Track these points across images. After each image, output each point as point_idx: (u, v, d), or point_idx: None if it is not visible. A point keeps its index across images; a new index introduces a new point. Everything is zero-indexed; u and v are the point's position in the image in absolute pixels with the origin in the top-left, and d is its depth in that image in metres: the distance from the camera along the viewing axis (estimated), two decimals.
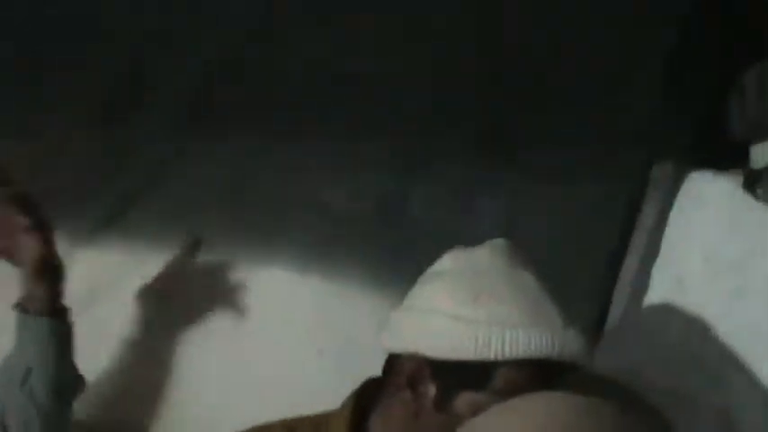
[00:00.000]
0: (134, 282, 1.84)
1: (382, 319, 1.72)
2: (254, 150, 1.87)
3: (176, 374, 1.83)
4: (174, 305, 1.85)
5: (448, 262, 1.42)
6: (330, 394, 1.51)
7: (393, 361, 1.42)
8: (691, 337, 1.56)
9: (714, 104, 1.59)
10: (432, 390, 1.36)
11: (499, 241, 1.42)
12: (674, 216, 1.63)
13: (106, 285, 1.89)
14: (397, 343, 1.40)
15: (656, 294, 1.62)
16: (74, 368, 1.73)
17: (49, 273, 1.72)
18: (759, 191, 1.53)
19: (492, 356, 1.31)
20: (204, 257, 1.85)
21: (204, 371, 1.82)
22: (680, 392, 1.49)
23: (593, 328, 1.61)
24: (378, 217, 1.82)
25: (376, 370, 1.47)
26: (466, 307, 1.33)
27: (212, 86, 1.93)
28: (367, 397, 1.48)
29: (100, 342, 1.86)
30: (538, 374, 1.32)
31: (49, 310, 1.70)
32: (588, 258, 1.67)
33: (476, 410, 1.30)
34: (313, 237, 1.82)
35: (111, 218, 1.87)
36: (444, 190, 1.81)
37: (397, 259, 1.78)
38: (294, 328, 1.81)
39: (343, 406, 1.47)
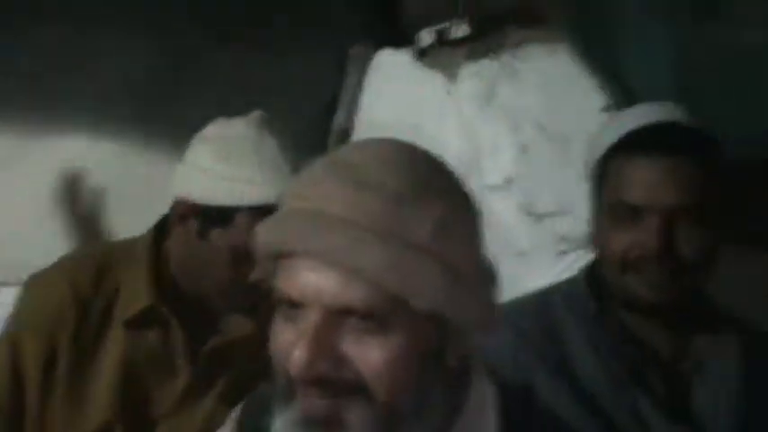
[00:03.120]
0: None
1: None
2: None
3: None
4: None
5: (211, 128, 1.77)
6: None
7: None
8: None
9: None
10: (195, 225, 1.74)
11: (255, 113, 1.77)
12: (368, 83, 2.21)
13: None
14: (175, 189, 1.78)
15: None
16: None
17: None
18: (425, 60, 2.17)
19: (232, 203, 1.70)
20: None
21: None
22: None
23: None
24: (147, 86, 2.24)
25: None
26: (219, 164, 1.72)
27: None
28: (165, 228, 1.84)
29: None
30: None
31: None
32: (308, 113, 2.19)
33: (225, 241, 1.71)
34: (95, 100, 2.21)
35: None
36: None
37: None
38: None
39: (148, 232, 1.84)
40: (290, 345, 1.04)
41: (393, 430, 1.06)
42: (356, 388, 1.04)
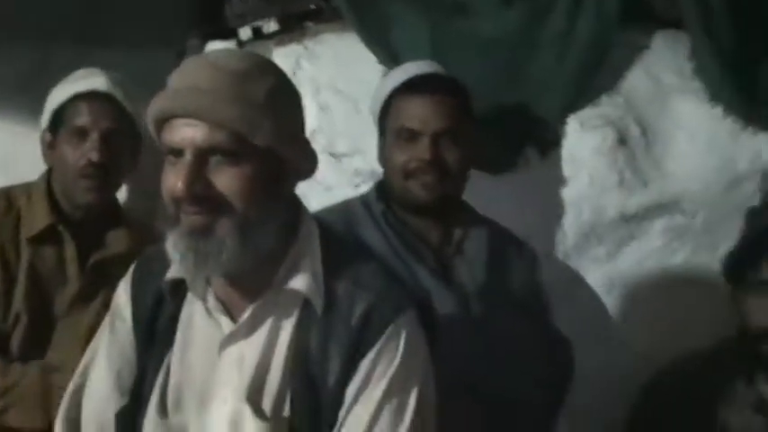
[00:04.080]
0: None
1: None
2: None
3: None
4: None
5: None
6: None
7: None
8: None
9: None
10: (48, 137, 2.33)
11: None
12: None
13: None
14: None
15: None
16: None
17: None
18: (245, 50, 2.74)
19: (66, 97, 2.26)
20: None
21: None
22: None
23: None
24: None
25: None
26: (62, 84, 2.32)
27: None
28: None
29: None
30: (89, 105, 2.26)
31: None
32: None
33: (67, 141, 2.25)
34: None
35: None
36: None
37: None
38: None
39: (42, 174, 2.35)
40: (175, 181, 1.46)
41: (247, 236, 1.49)
42: (221, 205, 1.47)
